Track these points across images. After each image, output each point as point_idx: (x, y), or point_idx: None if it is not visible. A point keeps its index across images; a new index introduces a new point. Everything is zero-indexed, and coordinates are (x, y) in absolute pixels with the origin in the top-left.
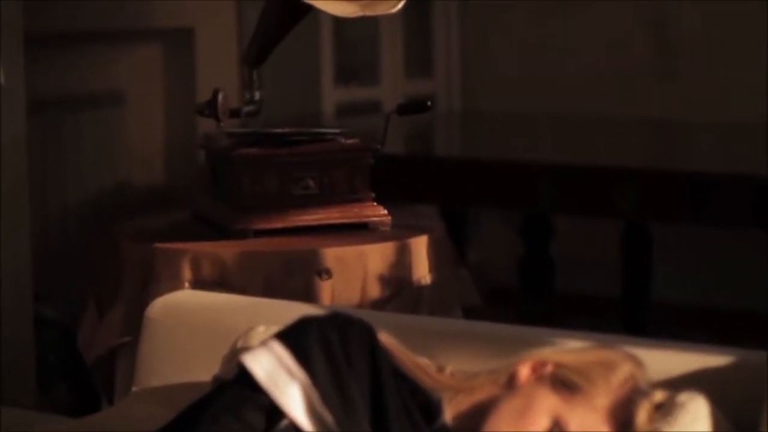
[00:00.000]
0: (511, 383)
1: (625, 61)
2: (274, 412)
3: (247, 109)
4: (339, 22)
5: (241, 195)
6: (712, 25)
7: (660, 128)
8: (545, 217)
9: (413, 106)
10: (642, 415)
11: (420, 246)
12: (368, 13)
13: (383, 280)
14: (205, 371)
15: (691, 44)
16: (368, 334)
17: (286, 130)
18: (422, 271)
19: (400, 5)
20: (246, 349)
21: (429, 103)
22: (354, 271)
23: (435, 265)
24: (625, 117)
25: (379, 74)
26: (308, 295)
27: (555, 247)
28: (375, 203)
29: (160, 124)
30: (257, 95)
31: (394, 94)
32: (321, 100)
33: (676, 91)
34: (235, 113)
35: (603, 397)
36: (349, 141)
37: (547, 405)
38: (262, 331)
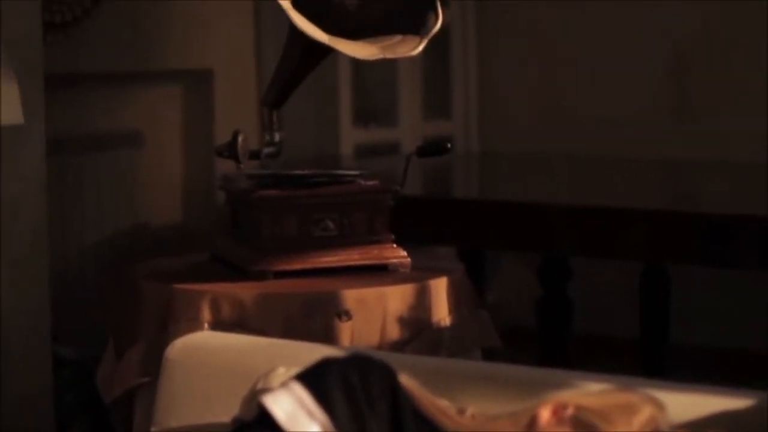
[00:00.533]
0: (532, 426)
1: (641, 101)
2: None
3: (266, 150)
4: (357, 63)
5: (260, 236)
6: (728, 63)
7: (676, 169)
8: (563, 258)
9: (433, 148)
10: None
11: (440, 288)
12: (389, 56)
13: (403, 321)
14: (224, 412)
15: (707, 83)
16: (389, 375)
17: (306, 171)
18: (442, 313)
19: (420, 48)
20: (266, 390)
21: (449, 144)
22: (374, 313)
23: (454, 307)
24: (641, 158)
25: (397, 115)
26: (328, 336)
27: (573, 288)
28: (394, 245)
29: (178, 164)
30: (277, 137)
31: (412, 136)
32: (339, 141)
33: (692, 131)
34: (255, 155)
35: None
36: (369, 183)
37: None
38: (282, 373)
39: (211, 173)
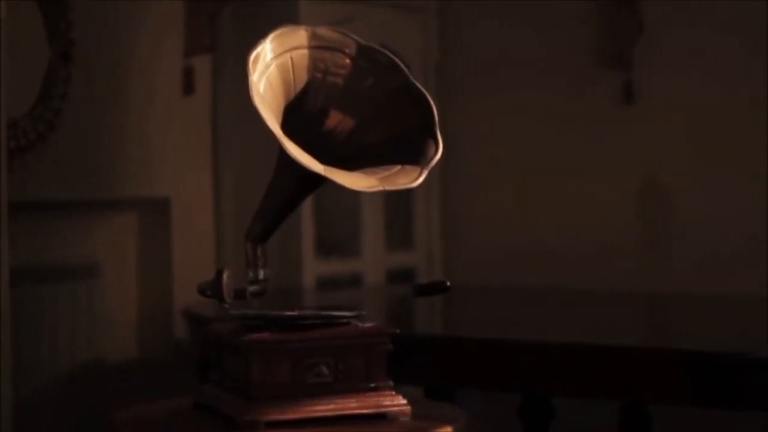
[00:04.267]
0: None
1: (611, 232)
2: None
3: (252, 289)
4: (319, 193)
5: (249, 383)
6: (707, 195)
7: (649, 302)
8: (545, 397)
9: (431, 288)
10: None
11: None
12: (387, 187)
13: None
14: None
15: (684, 216)
16: None
17: (297, 312)
18: None
19: (421, 179)
20: None
21: (448, 283)
22: None
23: None
24: (613, 291)
25: (360, 246)
26: None
27: (555, 427)
28: (393, 392)
29: (135, 295)
30: (261, 274)
31: (375, 267)
32: (302, 272)
33: (665, 262)
34: (239, 294)
35: None
36: (366, 325)
37: None
38: None
39: (168, 304)
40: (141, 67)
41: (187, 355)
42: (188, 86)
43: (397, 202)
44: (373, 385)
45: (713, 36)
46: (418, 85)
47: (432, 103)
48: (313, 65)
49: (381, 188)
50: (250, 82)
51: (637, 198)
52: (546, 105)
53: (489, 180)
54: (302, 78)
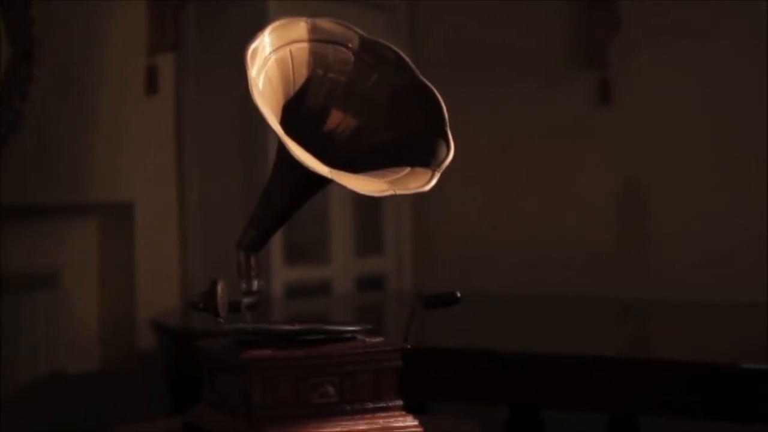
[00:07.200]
0: None
1: (586, 237)
2: None
3: (247, 301)
4: None
5: (249, 404)
6: (687, 198)
7: (626, 309)
8: (534, 409)
9: (441, 299)
10: None
11: None
12: (399, 191)
13: None
14: None
15: (663, 220)
16: None
17: (297, 327)
18: None
19: (434, 182)
20: None
21: (458, 294)
22: None
23: None
24: (592, 297)
25: (329, 252)
26: None
27: None
28: (404, 412)
29: (96, 304)
30: (255, 285)
31: (344, 273)
32: (270, 280)
33: (642, 269)
34: (234, 307)
35: None
36: (374, 340)
37: None
38: None
39: (132, 313)
40: (103, 66)
41: (154, 366)
42: (152, 86)
43: (366, 206)
44: (382, 404)
45: (693, 33)
46: (427, 82)
47: (441, 101)
48: (314, 60)
49: (392, 192)
50: (249, 78)
51: (615, 202)
52: (519, 105)
53: (460, 183)
54: (302, 74)
